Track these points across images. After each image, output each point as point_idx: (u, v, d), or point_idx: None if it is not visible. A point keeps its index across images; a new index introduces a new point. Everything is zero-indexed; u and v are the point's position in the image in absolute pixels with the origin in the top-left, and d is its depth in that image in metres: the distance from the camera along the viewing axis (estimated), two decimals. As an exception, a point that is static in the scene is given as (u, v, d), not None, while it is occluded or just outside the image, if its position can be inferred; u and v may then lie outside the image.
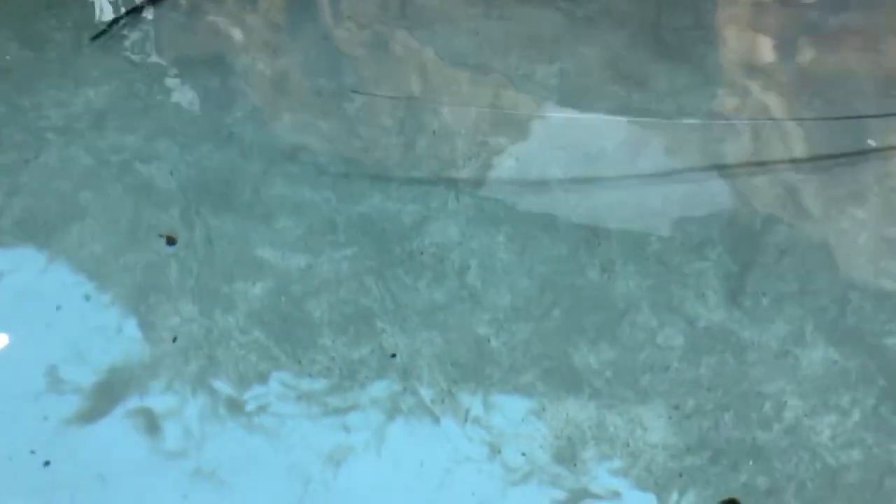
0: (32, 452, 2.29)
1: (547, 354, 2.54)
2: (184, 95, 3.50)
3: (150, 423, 2.39)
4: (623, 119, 3.18)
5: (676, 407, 2.41)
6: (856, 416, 2.37)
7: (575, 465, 2.29)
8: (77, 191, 3.07)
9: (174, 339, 2.61)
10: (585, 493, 2.24)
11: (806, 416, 2.38)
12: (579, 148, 3.12)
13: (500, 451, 2.31)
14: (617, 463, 2.30)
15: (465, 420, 2.38)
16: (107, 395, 2.46)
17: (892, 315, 2.61)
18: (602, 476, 2.27)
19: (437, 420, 2.37)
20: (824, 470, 2.26)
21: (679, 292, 2.70)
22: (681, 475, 2.27)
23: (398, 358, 2.53)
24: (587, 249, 2.84)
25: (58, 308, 2.70)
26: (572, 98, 3.33)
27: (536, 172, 3.05)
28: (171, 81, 3.58)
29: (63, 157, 3.22)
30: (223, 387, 2.47)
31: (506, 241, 2.87)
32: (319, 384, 2.46)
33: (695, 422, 2.38)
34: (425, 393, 2.43)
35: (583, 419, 2.39)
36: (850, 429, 2.34)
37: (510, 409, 2.40)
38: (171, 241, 2.89)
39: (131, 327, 2.66)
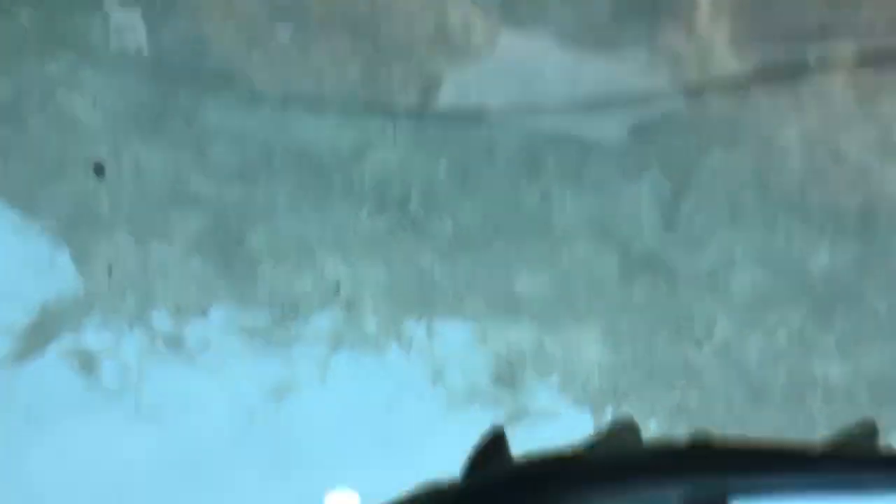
0: (-34, 395, 2.25)
1: (489, 283, 2.56)
2: (109, 22, 3.32)
3: (87, 361, 2.35)
4: (565, 45, 3.15)
5: (611, 329, 2.47)
6: (781, 336, 2.47)
7: (515, 386, 2.35)
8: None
9: (109, 272, 2.55)
10: (525, 413, 2.31)
11: (734, 336, 2.47)
12: (520, 74, 3.09)
13: (442, 377, 2.36)
14: (555, 383, 2.36)
15: (409, 349, 2.41)
16: (40, 333, 2.41)
17: (819, 235, 2.70)
18: (541, 396, 2.34)
19: (380, 350, 2.40)
20: (750, 387, 2.37)
21: (615, 217, 2.73)
22: (615, 393, 2.35)
23: (341, 289, 2.53)
24: (527, 175, 2.84)
25: (-15, 245, 2.62)
26: (518, 21, 3.28)
27: (476, 99, 3.01)
28: (95, 7, 3.38)
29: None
30: (162, 322, 2.44)
31: (447, 167, 2.85)
32: (261, 318, 2.45)
33: (628, 343, 2.45)
34: (368, 324, 2.45)
35: (523, 342, 2.44)
36: (775, 348, 2.45)
37: (453, 337, 2.43)
38: (98, 169, 2.78)
39: (64, 260, 2.59)
